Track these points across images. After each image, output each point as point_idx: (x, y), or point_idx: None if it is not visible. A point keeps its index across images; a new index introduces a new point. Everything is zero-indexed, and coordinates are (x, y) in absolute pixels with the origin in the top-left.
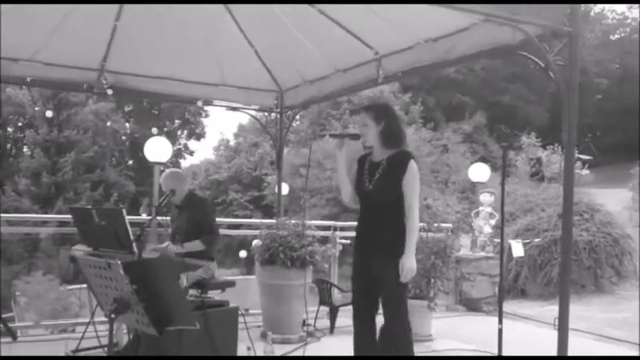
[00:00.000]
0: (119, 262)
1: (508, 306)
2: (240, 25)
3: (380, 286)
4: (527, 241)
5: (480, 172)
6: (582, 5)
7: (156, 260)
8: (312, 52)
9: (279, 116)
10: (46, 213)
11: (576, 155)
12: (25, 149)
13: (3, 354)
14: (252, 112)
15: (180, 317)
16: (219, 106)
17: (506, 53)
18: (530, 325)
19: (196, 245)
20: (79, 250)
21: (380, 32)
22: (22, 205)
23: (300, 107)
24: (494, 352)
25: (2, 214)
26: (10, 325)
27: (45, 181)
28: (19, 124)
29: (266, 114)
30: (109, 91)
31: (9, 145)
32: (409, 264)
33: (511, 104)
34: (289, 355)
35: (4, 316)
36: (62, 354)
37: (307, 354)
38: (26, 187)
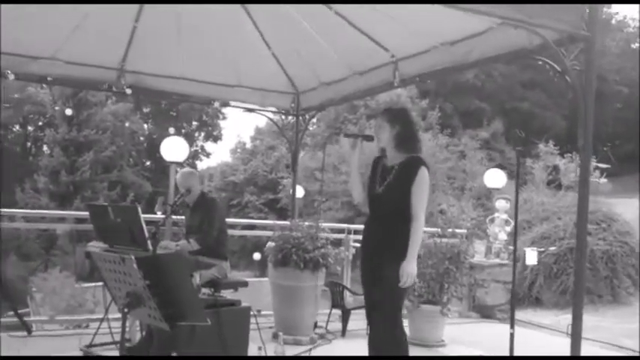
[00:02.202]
0: (133, 257)
1: (522, 314)
2: (257, 27)
3: (378, 287)
4: (543, 249)
5: (495, 178)
6: (603, 13)
7: (169, 256)
8: (329, 54)
9: (295, 118)
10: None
11: (594, 164)
12: (45, 148)
13: (18, 348)
14: (269, 115)
15: (191, 313)
16: (236, 107)
17: (523, 57)
18: (543, 334)
19: (192, 245)
20: (95, 246)
21: (397, 35)
22: (41, 202)
23: (317, 109)
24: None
25: (20, 210)
26: (26, 319)
27: (63, 180)
28: (40, 123)
29: (282, 117)
30: (128, 91)
31: (29, 144)
32: (410, 269)
33: (529, 111)
34: (300, 355)
35: (20, 311)
36: (76, 349)
37: (319, 356)
38: (45, 186)
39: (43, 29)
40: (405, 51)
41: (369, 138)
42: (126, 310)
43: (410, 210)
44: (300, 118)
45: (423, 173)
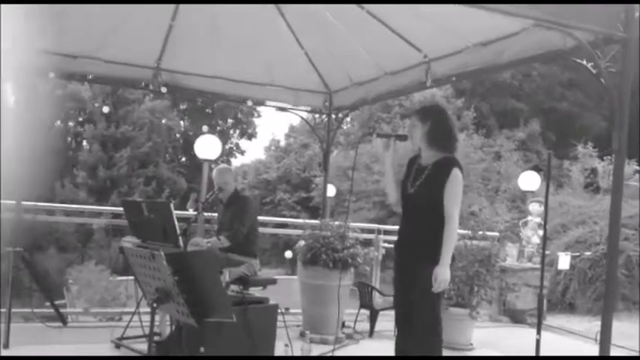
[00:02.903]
0: (162, 254)
1: (555, 320)
2: (290, 27)
3: (412, 290)
4: (578, 254)
5: (530, 180)
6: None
7: (198, 253)
8: (362, 54)
9: (327, 118)
10: (100, 206)
11: (636, 167)
12: (85, 143)
13: (53, 338)
14: (301, 113)
15: (218, 310)
16: (269, 106)
17: (557, 59)
18: (575, 340)
19: (223, 241)
20: (128, 241)
21: (429, 36)
22: (79, 197)
23: (349, 109)
24: None
25: (59, 204)
26: (62, 311)
27: (101, 175)
28: (80, 118)
29: (316, 116)
30: (163, 89)
31: (69, 139)
32: (443, 275)
33: (567, 111)
34: (324, 355)
35: (56, 302)
36: (107, 341)
37: (346, 355)
38: (83, 180)
39: (84, 29)
40: (438, 51)
41: (403, 137)
42: (155, 305)
43: (442, 211)
44: (333, 117)
45: (456, 174)
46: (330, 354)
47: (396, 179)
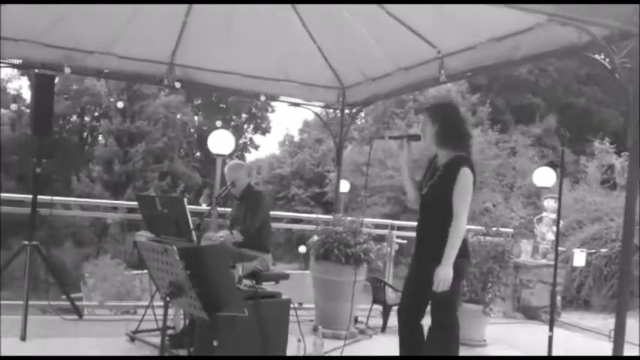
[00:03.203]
0: (175, 248)
1: (569, 317)
2: (304, 22)
3: (427, 291)
4: (594, 250)
5: (544, 176)
6: None
7: (210, 248)
8: (375, 49)
9: (340, 113)
10: (116, 200)
11: None
12: (100, 138)
13: (69, 330)
14: (315, 109)
15: (230, 304)
16: (282, 101)
17: (572, 54)
18: (588, 338)
19: (236, 236)
20: (143, 235)
21: (443, 31)
22: (94, 191)
23: (362, 104)
24: None
25: (76, 199)
26: (78, 304)
27: (116, 170)
28: (96, 113)
29: (330, 111)
30: (177, 84)
31: (85, 134)
32: (443, 274)
33: (585, 107)
34: (330, 356)
35: (72, 295)
36: (122, 334)
37: (357, 351)
38: (99, 175)
39: (99, 24)
40: (451, 47)
41: (415, 138)
42: (168, 299)
43: (451, 211)
44: (347, 112)
45: (465, 173)
46: (336, 352)
47: (412, 178)
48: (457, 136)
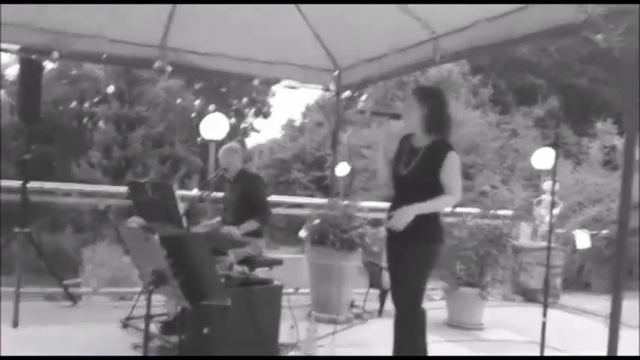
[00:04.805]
0: (156, 235)
1: (570, 299)
2: (297, 4)
3: (403, 265)
4: (595, 232)
5: (544, 158)
6: None
7: (192, 236)
8: (370, 31)
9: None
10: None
11: None
12: (101, 123)
13: (63, 317)
14: (312, 92)
15: (212, 293)
16: (277, 84)
17: (568, 34)
18: (586, 319)
19: (251, 225)
20: (134, 222)
21: (437, 11)
22: (94, 177)
23: (358, 86)
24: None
25: (73, 184)
26: (76, 290)
27: (116, 155)
28: (95, 99)
29: (327, 93)
30: (169, 68)
31: (85, 120)
32: (407, 215)
33: (587, 88)
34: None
35: (72, 281)
36: (117, 320)
37: (353, 335)
38: (98, 160)
39: (87, 7)
40: (446, 27)
41: (396, 116)
42: (151, 287)
43: (439, 192)
44: (345, 95)
45: (453, 156)
46: (342, 333)
47: (386, 158)
48: (444, 122)
